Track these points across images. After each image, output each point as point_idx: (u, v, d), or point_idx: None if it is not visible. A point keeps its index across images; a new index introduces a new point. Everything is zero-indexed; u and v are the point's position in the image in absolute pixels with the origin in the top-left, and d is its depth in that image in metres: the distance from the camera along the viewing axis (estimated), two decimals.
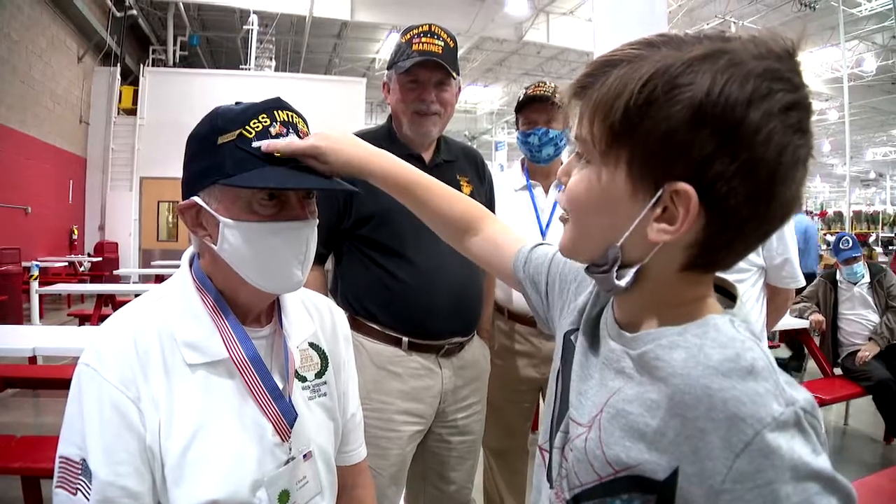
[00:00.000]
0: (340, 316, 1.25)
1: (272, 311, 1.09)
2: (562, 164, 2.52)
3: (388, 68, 1.87)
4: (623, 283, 0.67)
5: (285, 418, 1.00)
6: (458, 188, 1.90)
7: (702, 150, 0.58)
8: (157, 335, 0.95)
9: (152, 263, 10.80)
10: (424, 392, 1.83)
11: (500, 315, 2.40)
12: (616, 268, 0.67)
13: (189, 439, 0.92)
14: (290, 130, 0.97)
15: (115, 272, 10.38)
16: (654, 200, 0.62)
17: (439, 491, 1.98)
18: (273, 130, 0.95)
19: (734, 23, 12.98)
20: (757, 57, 0.59)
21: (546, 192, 2.41)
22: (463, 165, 1.98)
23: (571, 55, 16.63)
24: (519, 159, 2.54)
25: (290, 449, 1.02)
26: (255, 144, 0.94)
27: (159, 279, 9.11)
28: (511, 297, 2.35)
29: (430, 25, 1.79)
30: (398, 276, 1.78)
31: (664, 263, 0.66)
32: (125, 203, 12.71)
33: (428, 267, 1.78)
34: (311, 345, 1.14)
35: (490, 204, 2.06)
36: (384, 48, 16.94)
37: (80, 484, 0.87)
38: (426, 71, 1.78)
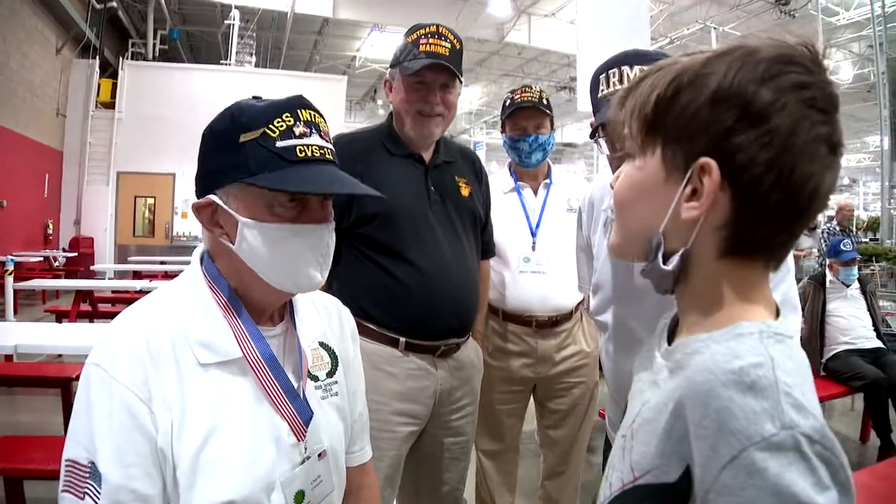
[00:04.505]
0: (347, 315, 1.24)
1: (284, 310, 1.08)
2: (549, 165, 2.56)
3: (392, 66, 1.85)
4: (670, 266, 0.69)
5: (301, 417, 0.99)
6: (457, 189, 1.90)
7: (721, 124, 0.64)
8: (170, 334, 0.92)
9: (128, 259, 10.67)
10: (420, 393, 1.82)
11: (495, 316, 2.40)
12: (660, 255, 0.70)
13: (203, 440, 0.89)
14: (313, 130, 0.96)
15: (91, 268, 10.19)
16: (685, 181, 0.66)
17: (432, 492, 1.97)
18: (297, 130, 0.94)
19: (714, 28, 13.09)
20: (771, 47, 0.65)
21: (535, 193, 2.44)
22: (461, 166, 1.98)
23: (552, 57, 16.69)
24: (505, 162, 2.56)
25: (306, 449, 1.00)
26: (279, 144, 0.92)
27: (136, 275, 9.02)
28: (505, 297, 2.36)
29: (437, 26, 1.78)
30: (399, 276, 1.76)
31: (704, 250, 0.68)
32: (101, 198, 12.52)
33: (429, 268, 1.77)
34: (322, 344, 1.12)
35: (487, 205, 2.06)
36: (365, 46, 16.88)
37: (87, 488, 0.84)
38: (433, 73, 1.77)
